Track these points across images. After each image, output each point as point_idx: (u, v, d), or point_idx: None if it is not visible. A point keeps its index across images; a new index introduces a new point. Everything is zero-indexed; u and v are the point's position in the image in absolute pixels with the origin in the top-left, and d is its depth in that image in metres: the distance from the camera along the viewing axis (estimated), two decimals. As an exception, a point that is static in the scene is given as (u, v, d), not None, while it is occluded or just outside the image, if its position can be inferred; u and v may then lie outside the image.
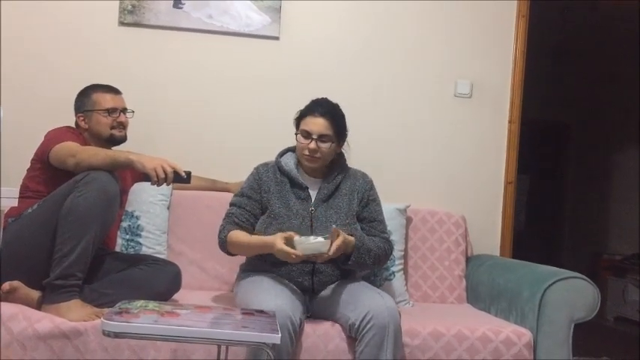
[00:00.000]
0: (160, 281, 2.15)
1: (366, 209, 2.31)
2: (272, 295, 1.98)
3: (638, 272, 5.00)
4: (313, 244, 1.97)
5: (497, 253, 3.11)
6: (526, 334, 2.25)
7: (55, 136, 2.23)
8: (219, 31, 2.93)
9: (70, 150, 2.13)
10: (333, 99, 3.01)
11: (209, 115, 2.95)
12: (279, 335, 1.53)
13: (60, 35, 2.85)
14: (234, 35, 2.95)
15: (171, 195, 2.67)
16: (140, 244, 2.53)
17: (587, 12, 4.96)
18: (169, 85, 2.93)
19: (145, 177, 2.04)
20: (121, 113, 2.43)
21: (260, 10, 2.95)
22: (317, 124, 2.22)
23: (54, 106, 2.74)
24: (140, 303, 1.70)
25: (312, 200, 2.25)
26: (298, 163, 2.31)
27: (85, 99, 2.41)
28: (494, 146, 3.15)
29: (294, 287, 2.17)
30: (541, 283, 2.32)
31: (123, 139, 2.45)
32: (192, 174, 2.10)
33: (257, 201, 2.26)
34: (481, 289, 2.70)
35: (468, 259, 2.89)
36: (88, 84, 2.49)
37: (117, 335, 1.50)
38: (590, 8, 4.50)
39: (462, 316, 2.43)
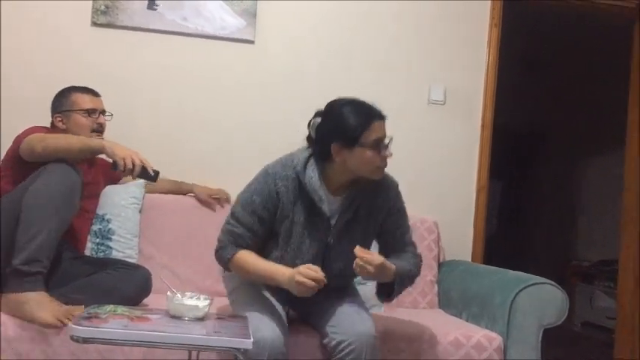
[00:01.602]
0: (129, 285, 2.11)
1: (388, 220, 2.05)
2: (265, 324, 1.80)
3: (606, 279, 5.09)
4: None
5: (468, 258, 3.14)
6: (496, 339, 2.27)
7: (25, 132, 2.20)
8: (193, 33, 2.91)
9: (39, 137, 2.10)
10: (307, 105, 3.02)
11: (183, 118, 2.93)
12: (251, 340, 1.52)
13: (32, 35, 2.80)
14: (209, 38, 2.93)
15: (143, 198, 2.64)
16: (110, 247, 2.49)
17: (558, 21, 5.05)
18: (143, 87, 2.90)
19: (113, 165, 2.00)
20: (100, 115, 2.40)
21: (235, 14, 2.94)
22: (384, 127, 1.90)
23: (27, 107, 2.70)
24: (109, 307, 1.67)
25: (331, 228, 1.96)
26: (322, 177, 1.93)
27: (63, 99, 2.38)
28: (467, 152, 3.18)
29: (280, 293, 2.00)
30: (511, 289, 2.35)
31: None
32: (160, 175, 2.08)
33: (269, 222, 1.93)
34: (453, 294, 2.72)
35: (440, 265, 2.91)
36: (61, 84, 2.46)
37: (85, 341, 1.47)
38: (562, 17, 4.58)
39: (434, 321, 2.44)
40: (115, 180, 2.60)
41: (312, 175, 1.90)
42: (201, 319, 1.67)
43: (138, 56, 2.89)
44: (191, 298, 1.72)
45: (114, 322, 1.52)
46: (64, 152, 2.03)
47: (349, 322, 1.92)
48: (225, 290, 2.15)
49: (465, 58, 3.18)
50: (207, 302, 1.71)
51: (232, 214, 1.95)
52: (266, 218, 1.92)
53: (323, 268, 1.79)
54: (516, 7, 3.36)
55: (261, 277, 1.91)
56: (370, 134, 1.86)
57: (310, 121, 1.98)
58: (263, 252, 1.95)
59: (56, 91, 2.59)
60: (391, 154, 1.92)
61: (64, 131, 2.33)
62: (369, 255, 1.81)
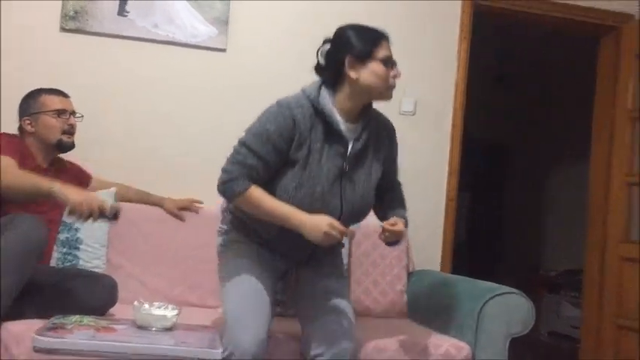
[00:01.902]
0: (95, 295, 2.07)
1: (389, 158, 2.11)
2: (247, 330, 1.74)
3: (572, 288, 5.18)
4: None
5: (437, 268, 3.16)
6: (465, 348, 2.29)
7: None
8: (164, 40, 2.89)
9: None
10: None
11: (154, 125, 2.90)
12: (220, 351, 1.51)
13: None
14: (180, 45, 2.91)
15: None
16: (77, 257, 2.45)
17: (527, 36, 5.15)
18: (113, 94, 2.86)
19: (69, 211, 1.88)
20: (71, 116, 2.36)
21: (207, 22, 2.93)
22: (390, 48, 1.93)
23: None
24: (75, 318, 1.64)
25: (347, 154, 1.93)
26: (335, 104, 1.93)
27: (31, 101, 2.33)
28: (437, 163, 3.21)
29: (274, 274, 1.98)
30: (479, 299, 2.37)
31: (71, 146, 2.38)
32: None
33: (283, 152, 1.85)
34: (422, 304, 2.74)
35: (409, 275, 2.92)
36: (29, 89, 2.41)
37: (50, 352, 1.44)
38: (531, 32, 4.68)
39: (403, 331, 2.45)
40: (84, 186, 2.54)
41: (326, 100, 1.90)
42: (169, 329, 1.65)
43: (108, 63, 2.86)
44: (159, 308, 1.70)
45: (79, 333, 1.50)
46: (14, 192, 1.93)
47: (332, 333, 1.90)
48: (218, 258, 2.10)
49: (435, 71, 3.22)
50: (175, 312, 1.69)
51: (243, 144, 1.86)
52: (281, 147, 1.84)
53: (340, 197, 1.88)
54: (486, 21, 3.42)
55: (275, 217, 1.83)
56: (381, 50, 1.88)
57: (318, 50, 1.98)
58: (276, 185, 1.87)
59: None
60: (400, 74, 1.94)
61: (33, 135, 2.29)
62: (396, 225, 1.91)
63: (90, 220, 1.85)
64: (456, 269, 3.21)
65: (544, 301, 5.42)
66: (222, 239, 2.07)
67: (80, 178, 2.54)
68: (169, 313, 1.68)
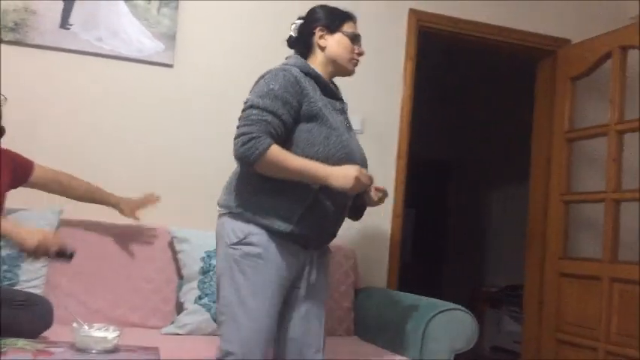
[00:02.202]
0: (28, 322, 1.92)
1: None
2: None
3: (512, 304, 5.30)
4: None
5: (384, 285, 3.19)
6: (410, 365, 2.31)
7: None
8: (108, 54, 2.84)
9: None
10: (226, 129, 3.00)
11: (98, 141, 2.83)
12: (163, 373, 1.47)
13: None
14: (125, 60, 2.86)
15: (58, 227, 2.51)
16: (17, 275, 2.35)
17: (469, 58, 5.31)
18: (54, 109, 2.78)
19: (26, 255, 1.81)
20: None
21: (153, 37, 2.89)
22: (357, 29, 2.07)
23: None
24: (9, 341, 1.57)
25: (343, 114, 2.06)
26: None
27: None
28: (384, 180, 3.24)
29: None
30: (424, 315, 2.40)
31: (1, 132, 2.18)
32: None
33: (294, 109, 1.84)
34: (368, 321, 2.75)
35: (356, 292, 2.94)
36: None
37: (-19, 377, 1.37)
38: (475, 54, 4.82)
39: (351, 348, 2.46)
40: (26, 175, 2.34)
41: (309, 66, 1.98)
42: (110, 351, 1.60)
43: (49, 76, 2.78)
44: (99, 329, 1.65)
45: (14, 356, 1.43)
46: None
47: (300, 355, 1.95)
48: (225, 240, 1.88)
49: (382, 90, 3.27)
50: (116, 334, 1.64)
51: (252, 107, 1.81)
52: (290, 102, 1.83)
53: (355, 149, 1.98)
54: (431, 41, 3.51)
55: (302, 173, 1.79)
56: (348, 26, 2.03)
57: (292, 24, 2.10)
58: (298, 142, 1.86)
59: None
60: (364, 53, 2.07)
61: None
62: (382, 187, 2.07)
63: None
64: (402, 285, 3.25)
65: (486, 316, 5.53)
66: (237, 252, 1.84)
67: (20, 166, 2.33)
68: (110, 334, 1.63)
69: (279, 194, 1.84)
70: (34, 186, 2.38)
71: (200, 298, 2.54)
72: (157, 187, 2.87)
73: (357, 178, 1.77)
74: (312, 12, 2.07)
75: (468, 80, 6.14)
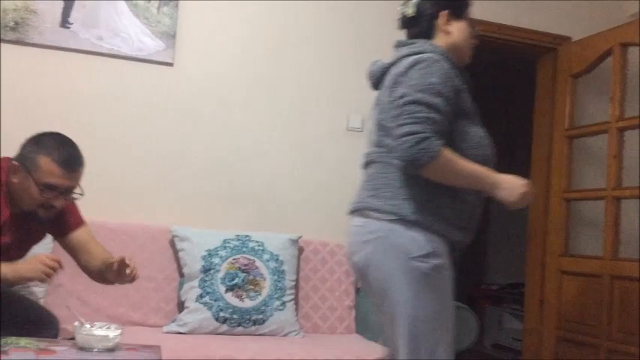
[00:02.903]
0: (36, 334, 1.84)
1: None
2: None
3: (513, 301, 5.31)
4: None
5: (385, 283, 3.18)
6: (412, 363, 2.31)
7: None
8: (108, 53, 2.84)
9: None
10: (226, 129, 3.01)
11: (97, 140, 2.82)
12: (165, 371, 1.47)
13: None
14: (125, 59, 2.86)
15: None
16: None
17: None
18: (54, 107, 2.78)
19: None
20: (61, 195, 1.87)
21: (154, 35, 2.89)
22: None
23: None
24: (11, 339, 1.57)
25: None
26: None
27: (32, 152, 1.85)
28: (384, 179, 3.25)
29: None
30: (426, 313, 2.40)
31: (46, 220, 1.94)
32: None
33: (452, 103, 1.68)
34: (370, 319, 2.75)
35: (357, 290, 2.94)
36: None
37: (-17, 376, 1.38)
38: (476, 51, 4.80)
39: (351, 347, 2.46)
40: (66, 230, 2.07)
41: None
42: (111, 350, 1.60)
43: (49, 75, 2.78)
44: (101, 327, 1.65)
45: (17, 355, 1.43)
46: None
47: None
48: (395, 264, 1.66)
49: (382, 88, 3.27)
50: (118, 332, 1.64)
51: (415, 102, 1.61)
52: (450, 96, 1.65)
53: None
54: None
55: (470, 179, 1.66)
56: (470, 13, 1.85)
57: (405, 3, 1.86)
58: (462, 140, 1.70)
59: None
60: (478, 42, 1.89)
61: (15, 185, 1.86)
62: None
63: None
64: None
65: (487, 314, 5.54)
66: (426, 266, 1.64)
67: (64, 220, 2.03)
68: (111, 333, 1.63)
69: (455, 200, 1.70)
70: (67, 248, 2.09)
71: (201, 296, 2.55)
72: (156, 185, 2.88)
73: (524, 194, 1.64)
74: None
75: (468, 76, 6.13)
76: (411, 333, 1.63)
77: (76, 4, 2.78)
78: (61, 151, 1.86)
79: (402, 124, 1.60)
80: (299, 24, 3.13)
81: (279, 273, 2.67)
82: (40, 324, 2.02)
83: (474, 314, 2.44)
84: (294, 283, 2.73)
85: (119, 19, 2.84)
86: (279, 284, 2.65)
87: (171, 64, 2.93)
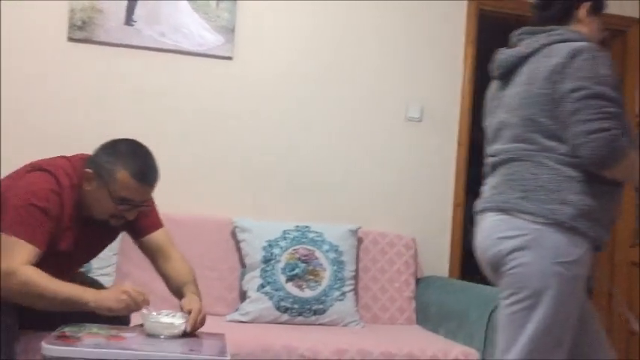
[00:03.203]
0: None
1: None
2: None
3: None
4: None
5: (446, 274, 3.15)
6: (474, 355, 2.28)
7: (16, 219, 1.68)
8: (170, 49, 2.91)
9: (26, 284, 1.63)
10: (286, 122, 3.03)
11: (161, 133, 2.91)
12: (228, 358, 1.50)
13: (6, 49, 2.76)
14: (187, 54, 2.93)
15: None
16: (90, 263, 2.45)
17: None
18: (119, 103, 2.87)
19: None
20: (134, 208, 1.84)
21: (213, 30, 2.94)
22: None
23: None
24: (83, 326, 1.64)
25: None
26: None
27: (109, 164, 1.79)
28: (444, 169, 3.21)
29: None
30: (488, 304, 2.36)
31: (118, 229, 1.96)
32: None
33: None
34: (430, 310, 2.73)
35: (417, 281, 2.92)
36: (35, 101, 2.38)
37: (59, 360, 1.44)
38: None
39: (412, 337, 2.45)
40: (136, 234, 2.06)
41: None
42: (177, 336, 1.65)
43: (114, 72, 2.88)
44: (167, 315, 1.70)
45: (89, 341, 1.50)
46: (44, 301, 1.66)
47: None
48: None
49: (441, 76, 3.22)
50: (183, 320, 1.69)
51: (596, 96, 1.54)
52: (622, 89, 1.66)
53: None
54: (491, 25, 3.42)
55: (632, 176, 1.62)
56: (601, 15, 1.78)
57: None
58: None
59: (29, 109, 2.51)
60: None
61: (88, 192, 1.81)
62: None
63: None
64: (465, 274, 3.20)
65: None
66: (569, 274, 1.59)
67: (141, 223, 1.98)
68: (177, 320, 1.68)
69: (610, 200, 1.65)
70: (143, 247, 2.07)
71: (262, 286, 2.59)
72: (218, 178, 2.94)
73: None
74: None
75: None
76: (533, 334, 1.60)
77: (139, 2, 2.86)
78: (139, 164, 1.81)
79: (589, 120, 1.52)
80: (358, 15, 3.11)
81: (338, 263, 2.68)
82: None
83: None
84: (353, 273, 2.74)
85: (180, 15, 2.91)
86: (339, 274, 2.66)
87: (230, 58, 2.97)
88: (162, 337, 1.63)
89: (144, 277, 2.58)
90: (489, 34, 3.53)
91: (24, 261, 1.66)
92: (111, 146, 1.84)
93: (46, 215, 1.72)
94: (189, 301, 1.85)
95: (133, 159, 1.80)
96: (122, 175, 1.76)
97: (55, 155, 1.89)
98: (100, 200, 1.79)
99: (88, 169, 1.80)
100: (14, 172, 1.85)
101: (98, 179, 1.78)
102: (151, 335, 1.64)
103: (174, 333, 1.65)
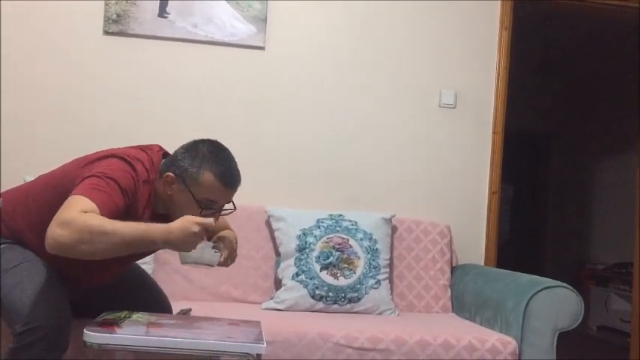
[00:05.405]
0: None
1: None
2: None
3: (621, 282, 5.05)
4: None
5: (481, 262, 3.12)
6: (511, 343, 2.25)
7: (90, 185, 1.59)
8: (203, 40, 2.93)
9: (87, 224, 1.48)
10: (319, 110, 3.03)
11: (195, 124, 2.94)
12: (264, 345, 1.52)
13: (43, 43, 2.82)
14: (219, 45, 2.95)
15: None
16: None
17: (568, 25, 5.03)
18: (153, 95, 2.91)
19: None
20: (216, 212, 1.80)
21: (245, 20, 2.95)
22: None
23: (36, 113, 2.72)
24: (124, 313, 1.67)
25: None
26: None
27: (193, 167, 1.74)
28: (479, 156, 3.17)
29: None
30: (525, 293, 2.33)
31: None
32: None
33: None
34: (466, 298, 2.71)
35: (452, 269, 2.90)
36: (71, 93, 2.43)
37: (100, 347, 1.48)
38: (573, 19, 4.56)
39: (448, 325, 2.43)
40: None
41: None
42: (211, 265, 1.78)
43: (149, 64, 2.91)
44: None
45: (130, 329, 1.53)
46: (107, 244, 1.51)
47: None
48: None
49: (475, 62, 3.17)
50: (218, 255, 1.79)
51: None
52: None
53: None
54: (526, 9, 3.35)
55: None
56: None
57: None
58: None
59: (67, 102, 2.56)
60: None
61: (169, 196, 1.76)
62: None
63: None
64: (500, 263, 3.17)
65: (592, 294, 5.30)
66: None
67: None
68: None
69: None
70: None
71: (297, 274, 2.60)
72: (252, 167, 2.95)
73: None
74: None
75: (568, 48, 5.82)
76: None
77: (172, -6, 2.89)
78: (225, 166, 1.78)
79: None
80: (390, 1, 3.09)
81: (372, 252, 2.68)
82: (155, 302, 2.06)
83: (577, 294, 2.34)
84: (388, 261, 2.73)
85: (212, 6, 2.93)
86: (374, 263, 2.66)
87: (262, 48, 2.98)
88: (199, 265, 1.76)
89: (181, 266, 2.61)
90: (525, 20, 3.47)
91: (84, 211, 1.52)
92: (192, 148, 1.79)
93: (122, 194, 1.64)
94: (226, 233, 1.93)
95: (217, 161, 1.77)
96: (207, 177, 1.72)
97: (102, 148, 1.82)
98: (182, 204, 1.73)
99: (169, 173, 1.74)
100: (82, 158, 1.77)
101: (180, 182, 1.73)
102: (187, 263, 1.75)
103: (212, 261, 1.76)
